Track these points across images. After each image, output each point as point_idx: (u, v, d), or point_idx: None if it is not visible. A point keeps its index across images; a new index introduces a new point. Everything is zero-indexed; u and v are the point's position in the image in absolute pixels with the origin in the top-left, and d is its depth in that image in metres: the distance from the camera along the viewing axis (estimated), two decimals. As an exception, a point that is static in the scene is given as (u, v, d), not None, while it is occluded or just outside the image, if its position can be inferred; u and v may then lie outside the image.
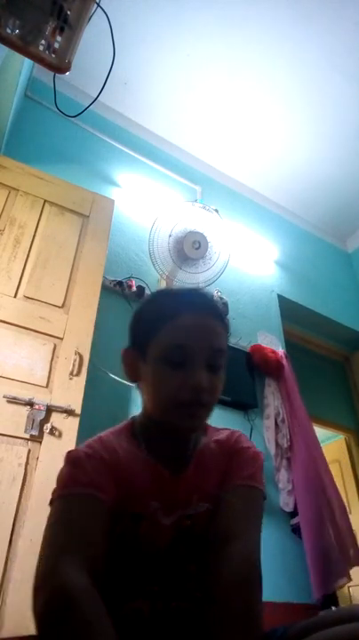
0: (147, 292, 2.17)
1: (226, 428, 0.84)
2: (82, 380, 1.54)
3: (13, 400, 1.39)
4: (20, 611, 1.12)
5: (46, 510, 0.64)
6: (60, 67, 1.30)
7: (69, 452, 0.70)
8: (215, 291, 2.40)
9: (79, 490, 0.63)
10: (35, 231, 1.77)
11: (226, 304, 2.44)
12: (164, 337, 0.69)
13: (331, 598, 1.81)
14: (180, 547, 0.67)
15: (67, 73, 1.33)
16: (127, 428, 0.77)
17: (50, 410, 1.43)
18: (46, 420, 1.41)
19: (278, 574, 1.84)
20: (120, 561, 0.66)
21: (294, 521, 1.97)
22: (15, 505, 1.25)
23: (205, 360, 0.68)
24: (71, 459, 0.68)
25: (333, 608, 1.80)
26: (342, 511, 1.98)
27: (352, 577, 1.93)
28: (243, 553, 0.63)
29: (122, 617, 0.62)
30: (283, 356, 2.42)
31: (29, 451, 1.35)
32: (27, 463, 1.32)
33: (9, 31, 1.20)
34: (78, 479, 0.65)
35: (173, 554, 0.67)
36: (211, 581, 0.62)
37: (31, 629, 0.96)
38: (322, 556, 1.81)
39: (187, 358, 0.68)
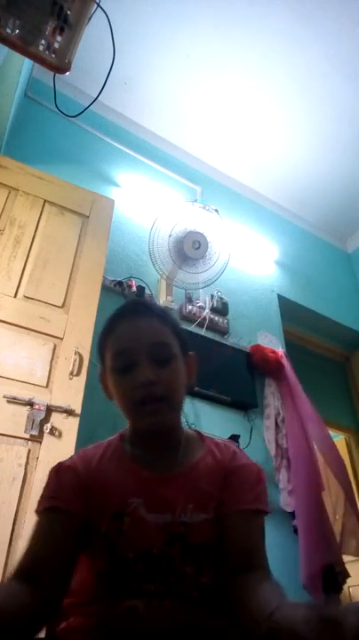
0: (148, 292, 2.17)
1: (222, 440, 0.86)
2: (82, 379, 1.53)
3: (13, 400, 1.39)
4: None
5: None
6: (60, 67, 1.30)
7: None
8: (215, 291, 2.40)
9: (44, 505, 0.70)
10: (35, 231, 1.77)
11: (226, 304, 2.44)
12: (109, 349, 0.76)
13: (331, 584, 1.81)
14: (173, 550, 0.68)
15: (67, 73, 1.33)
16: (120, 436, 0.82)
17: (50, 410, 1.43)
18: (46, 419, 1.41)
19: (279, 574, 1.83)
20: (114, 559, 0.68)
21: (296, 522, 1.98)
22: (15, 505, 1.25)
23: (148, 357, 0.72)
24: (49, 476, 0.75)
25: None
26: (351, 503, 2.00)
27: (352, 577, 1.94)
28: (268, 582, 0.67)
29: (118, 614, 0.64)
30: (283, 355, 2.42)
31: (29, 451, 1.35)
32: (27, 463, 1.32)
33: (9, 31, 1.20)
34: (44, 495, 0.72)
35: (167, 556, 0.68)
36: (237, 607, 0.64)
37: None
38: (313, 544, 1.83)
39: (129, 362, 0.73)
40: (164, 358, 0.74)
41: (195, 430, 0.88)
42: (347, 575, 1.88)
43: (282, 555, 1.89)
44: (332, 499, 2.02)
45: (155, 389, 0.71)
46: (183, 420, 0.86)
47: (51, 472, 0.76)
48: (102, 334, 0.80)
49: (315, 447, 2.12)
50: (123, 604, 0.64)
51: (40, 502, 0.72)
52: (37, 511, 0.71)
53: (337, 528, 1.97)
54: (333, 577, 1.81)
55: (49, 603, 0.63)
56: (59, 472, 0.75)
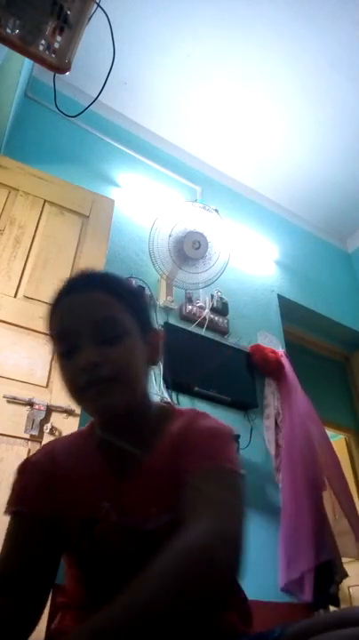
0: (148, 291, 2.17)
1: (187, 410, 0.75)
2: (82, 380, 1.53)
3: (13, 400, 1.39)
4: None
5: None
6: (60, 67, 1.30)
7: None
8: (215, 291, 2.40)
9: (10, 509, 0.67)
10: (35, 231, 1.77)
11: (226, 304, 2.44)
12: (51, 331, 0.69)
13: (329, 598, 1.81)
14: (146, 556, 0.63)
15: (67, 73, 1.33)
16: (91, 424, 0.75)
17: (50, 410, 1.43)
18: (46, 419, 1.41)
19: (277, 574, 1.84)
20: (90, 568, 0.65)
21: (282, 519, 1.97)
22: (15, 505, 1.25)
23: (92, 337, 0.64)
24: (15, 474, 0.72)
25: (332, 609, 1.80)
26: (350, 506, 2.00)
27: (352, 577, 1.94)
28: (183, 541, 0.49)
29: None
30: (283, 355, 2.42)
31: (29, 451, 1.35)
32: (27, 463, 1.32)
33: (9, 31, 1.20)
34: (10, 498, 0.68)
35: (142, 561, 0.64)
36: None
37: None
38: (291, 547, 1.83)
39: (73, 343, 0.65)
40: (112, 336, 0.65)
41: (167, 404, 0.78)
42: (344, 574, 1.87)
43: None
44: (331, 499, 2.02)
45: (100, 371, 0.62)
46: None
47: (16, 471, 0.71)
48: (48, 314, 0.71)
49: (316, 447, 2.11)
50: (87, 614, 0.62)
51: (7, 504, 0.68)
52: (5, 513, 0.68)
53: (336, 528, 1.97)
54: (329, 576, 1.81)
55: (32, 610, 0.60)
56: (23, 472, 0.71)
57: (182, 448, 0.63)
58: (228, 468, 0.59)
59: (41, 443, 1.37)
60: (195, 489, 0.56)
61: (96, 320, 0.65)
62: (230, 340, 2.36)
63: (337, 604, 1.83)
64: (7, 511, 0.67)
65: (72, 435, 0.76)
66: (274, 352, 2.38)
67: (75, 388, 0.64)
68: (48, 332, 0.71)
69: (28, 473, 0.70)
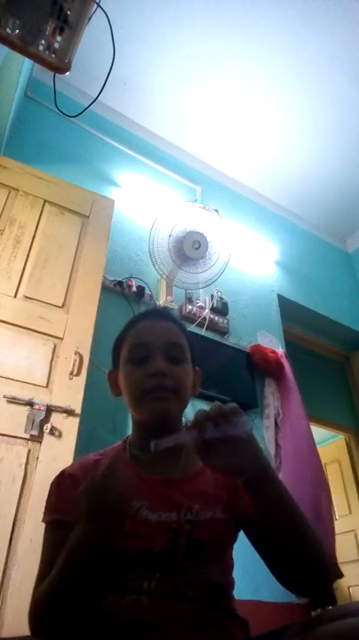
0: (147, 292, 2.17)
1: None
2: (82, 379, 1.53)
3: (13, 400, 1.39)
4: (20, 610, 1.12)
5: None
6: (60, 67, 1.30)
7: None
8: (215, 291, 2.40)
9: (49, 517, 0.73)
10: (35, 231, 1.77)
11: (226, 304, 2.44)
12: (127, 341, 0.83)
13: (327, 598, 1.80)
14: (177, 546, 0.69)
15: (67, 73, 1.33)
16: (122, 443, 0.85)
17: (50, 410, 1.43)
18: (46, 420, 1.41)
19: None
20: (116, 559, 0.68)
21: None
22: (15, 505, 1.25)
23: (163, 353, 0.79)
24: (50, 486, 0.78)
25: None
26: (328, 515, 1.98)
27: (352, 577, 1.94)
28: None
29: (123, 606, 0.65)
30: (283, 355, 2.42)
31: (29, 451, 1.35)
32: (27, 463, 1.32)
33: (9, 31, 1.20)
34: (48, 507, 0.75)
35: (169, 552, 0.68)
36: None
37: (31, 629, 0.96)
38: None
39: (146, 354, 0.79)
40: (178, 358, 0.80)
41: None
42: (339, 575, 1.87)
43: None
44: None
45: (165, 381, 0.76)
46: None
47: (52, 483, 0.77)
48: (123, 330, 0.86)
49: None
50: (127, 598, 0.65)
51: (45, 513, 0.74)
52: (43, 521, 0.74)
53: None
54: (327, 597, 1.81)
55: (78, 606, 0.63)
56: (60, 483, 0.77)
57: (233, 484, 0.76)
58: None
59: (41, 443, 1.37)
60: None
61: (169, 341, 0.81)
62: (230, 340, 2.36)
63: (334, 603, 1.84)
64: (45, 519, 0.73)
65: (99, 453, 0.83)
66: (274, 352, 2.39)
67: (141, 389, 0.77)
68: (122, 345, 0.85)
69: (64, 485, 0.76)
